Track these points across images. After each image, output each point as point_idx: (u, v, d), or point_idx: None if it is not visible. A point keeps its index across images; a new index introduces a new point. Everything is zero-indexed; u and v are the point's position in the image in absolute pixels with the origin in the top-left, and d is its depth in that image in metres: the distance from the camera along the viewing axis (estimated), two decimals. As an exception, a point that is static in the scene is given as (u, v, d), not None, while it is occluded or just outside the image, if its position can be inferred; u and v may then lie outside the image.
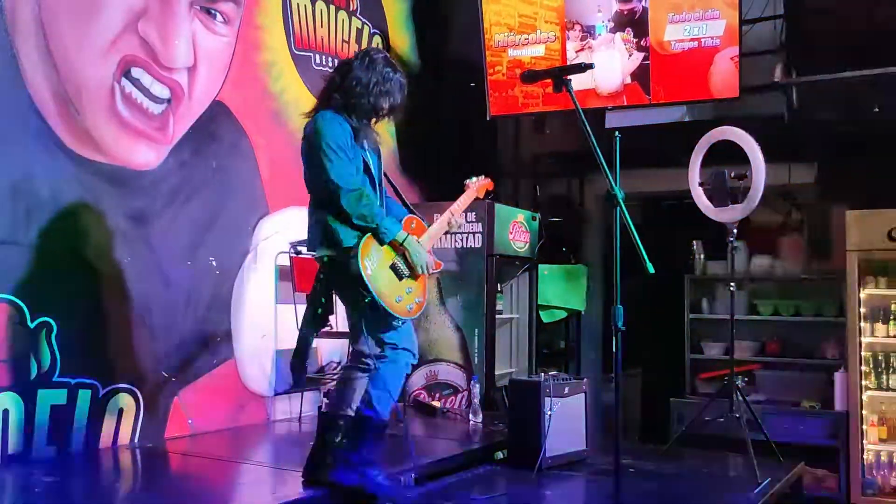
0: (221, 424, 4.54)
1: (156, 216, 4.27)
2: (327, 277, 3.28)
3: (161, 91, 4.26)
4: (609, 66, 5.49)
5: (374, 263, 3.15)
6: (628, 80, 5.49)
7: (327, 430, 3.30)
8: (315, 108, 3.34)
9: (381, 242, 3.19)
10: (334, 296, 3.36)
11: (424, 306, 3.35)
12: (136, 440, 4.07)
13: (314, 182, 3.25)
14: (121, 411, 4.01)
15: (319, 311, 3.31)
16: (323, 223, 3.21)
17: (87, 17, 3.93)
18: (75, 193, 3.88)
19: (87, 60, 3.92)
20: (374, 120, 3.35)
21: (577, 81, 3.25)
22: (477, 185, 3.71)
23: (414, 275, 3.27)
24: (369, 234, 3.17)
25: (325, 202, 3.21)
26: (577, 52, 5.63)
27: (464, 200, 3.61)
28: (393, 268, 3.23)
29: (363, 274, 3.08)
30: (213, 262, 4.59)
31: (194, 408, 4.41)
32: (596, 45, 5.56)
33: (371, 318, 3.20)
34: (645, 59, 5.39)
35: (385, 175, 3.52)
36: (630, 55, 5.42)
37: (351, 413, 3.28)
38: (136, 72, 4.13)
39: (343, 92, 3.25)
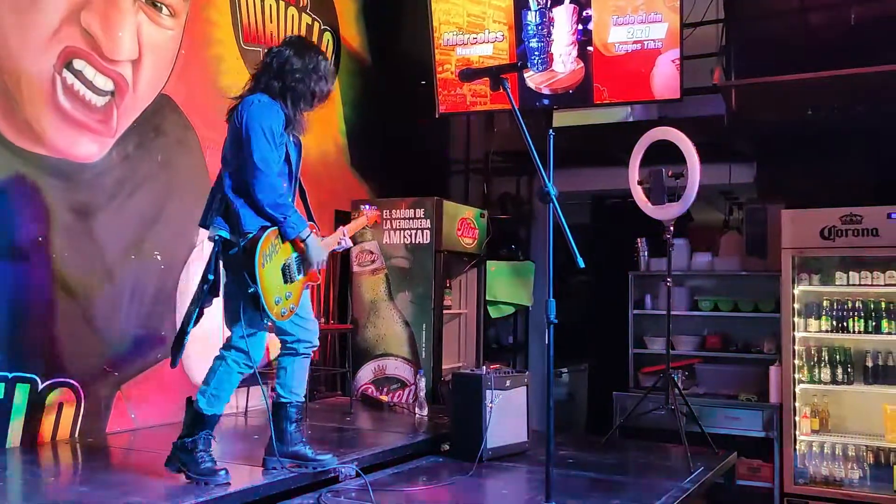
0: (166, 419, 4.52)
1: (99, 209, 4.24)
2: (220, 257, 3.27)
3: (104, 83, 4.24)
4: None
5: (268, 259, 3.18)
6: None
7: (281, 417, 3.45)
8: (250, 90, 3.32)
9: (285, 237, 3.23)
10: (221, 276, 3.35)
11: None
12: (76, 435, 4.04)
13: (235, 160, 3.24)
14: (60, 406, 3.98)
15: (206, 287, 3.29)
16: (229, 203, 3.21)
17: (27, 6, 3.88)
18: (14, 185, 3.84)
19: (26, 51, 3.88)
20: (309, 106, 3.38)
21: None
22: (369, 214, 3.87)
23: (301, 279, 3.31)
24: (274, 228, 3.20)
25: (240, 183, 3.21)
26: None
27: (356, 224, 3.74)
28: (283, 269, 3.26)
29: (256, 266, 3.10)
30: (158, 257, 4.58)
31: (137, 402, 4.39)
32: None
33: (245, 309, 3.21)
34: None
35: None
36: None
37: (293, 398, 3.45)
38: (79, 63, 4.10)
39: (281, 78, 3.28)
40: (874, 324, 5.23)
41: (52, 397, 3.95)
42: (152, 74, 4.53)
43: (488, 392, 4.07)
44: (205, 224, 3.29)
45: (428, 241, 5.70)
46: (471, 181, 7.15)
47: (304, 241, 3.28)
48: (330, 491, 3.43)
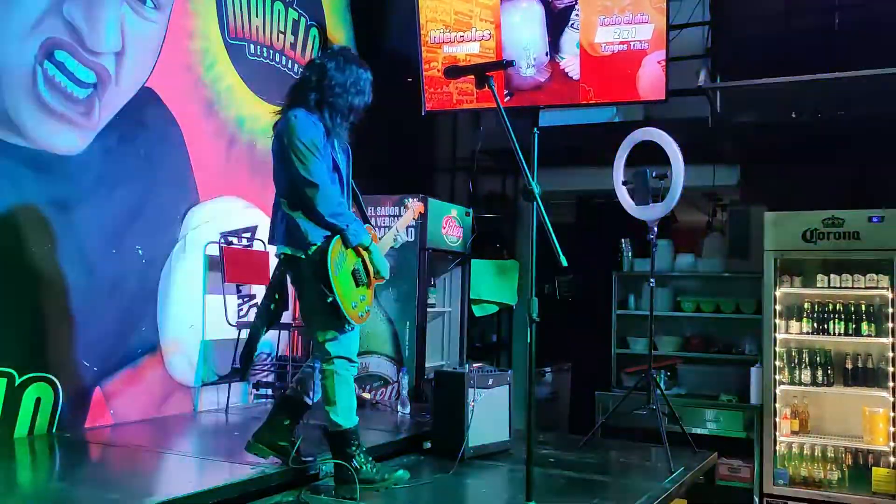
0: (145, 415, 4.49)
1: (80, 203, 4.19)
2: (286, 274, 3.35)
3: (86, 75, 4.19)
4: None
5: (339, 267, 3.23)
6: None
7: (284, 411, 3.45)
8: (288, 106, 3.37)
9: (347, 245, 3.27)
10: (289, 293, 3.43)
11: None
12: (53, 430, 3.99)
13: (284, 179, 3.29)
14: (38, 400, 3.93)
15: (273, 306, 3.38)
16: (289, 220, 3.26)
17: (8, -4, 3.83)
18: (-7, 177, 3.80)
19: (6, 42, 3.83)
20: (347, 119, 3.41)
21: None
22: (414, 207, 3.95)
23: (368, 282, 3.38)
24: (338, 237, 3.24)
25: (294, 199, 3.26)
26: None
27: (405, 219, 3.82)
28: (353, 273, 3.31)
29: (331, 274, 3.14)
30: (140, 251, 4.53)
31: (117, 398, 4.35)
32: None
33: (325, 318, 3.25)
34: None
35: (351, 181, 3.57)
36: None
37: (308, 401, 3.46)
38: (60, 55, 4.05)
39: (320, 92, 3.31)
40: (854, 326, 5.28)
41: (30, 392, 3.89)
42: (135, 67, 4.48)
43: (471, 390, 4.07)
44: (272, 243, 3.38)
45: (413, 238, 5.68)
46: (456, 179, 7.14)
47: (366, 248, 3.34)
48: (310, 488, 3.41)
